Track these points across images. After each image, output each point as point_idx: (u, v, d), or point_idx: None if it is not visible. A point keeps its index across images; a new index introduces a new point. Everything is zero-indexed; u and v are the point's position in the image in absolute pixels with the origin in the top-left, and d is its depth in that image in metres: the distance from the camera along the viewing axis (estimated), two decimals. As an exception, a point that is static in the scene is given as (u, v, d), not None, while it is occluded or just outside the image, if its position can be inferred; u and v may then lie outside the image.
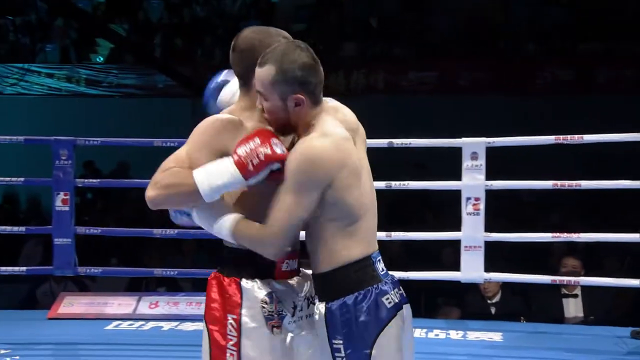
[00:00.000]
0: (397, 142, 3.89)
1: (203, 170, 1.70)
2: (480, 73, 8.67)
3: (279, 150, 1.70)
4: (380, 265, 1.77)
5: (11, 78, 9.43)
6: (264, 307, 1.74)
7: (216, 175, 1.69)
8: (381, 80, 9.06)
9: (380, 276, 1.75)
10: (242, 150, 1.68)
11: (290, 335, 1.76)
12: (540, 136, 3.81)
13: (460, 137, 3.84)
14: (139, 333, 3.89)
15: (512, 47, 8.87)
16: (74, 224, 4.09)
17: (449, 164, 4.05)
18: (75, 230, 4.08)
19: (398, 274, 3.81)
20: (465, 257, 3.81)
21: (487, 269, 3.83)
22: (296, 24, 10.05)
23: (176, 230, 4.10)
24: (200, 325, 4.16)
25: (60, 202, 4.05)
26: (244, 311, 1.74)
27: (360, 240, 1.75)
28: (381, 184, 3.97)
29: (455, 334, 3.80)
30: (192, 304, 4.12)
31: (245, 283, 1.75)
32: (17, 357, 3.41)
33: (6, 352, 3.46)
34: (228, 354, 1.74)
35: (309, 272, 1.82)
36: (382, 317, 1.72)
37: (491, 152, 3.80)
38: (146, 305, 4.14)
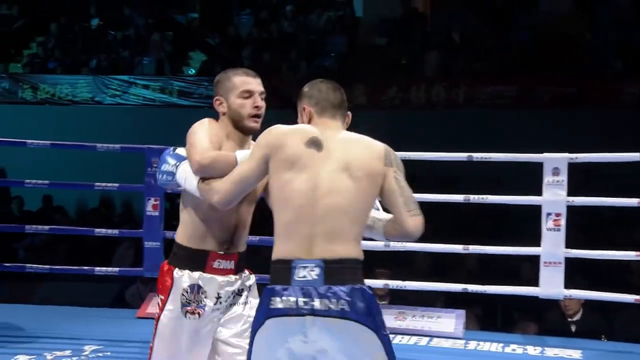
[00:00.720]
0: (477, 156, 3.82)
1: (241, 152, 2.12)
2: (562, 88, 8.42)
3: None
4: (303, 272, 1.86)
5: (112, 89, 9.84)
6: (183, 295, 2.12)
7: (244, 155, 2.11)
8: (462, 94, 8.93)
9: (293, 280, 1.85)
10: None
11: (209, 322, 2.14)
12: (625, 153, 3.66)
13: (537, 152, 3.74)
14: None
15: (598, 62, 8.58)
16: (163, 228, 4.20)
17: (524, 178, 3.94)
18: (164, 234, 4.19)
19: (474, 287, 3.77)
20: (544, 273, 3.70)
21: (566, 285, 3.70)
22: (379, 38, 10.06)
23: (258, 238, 4.14)
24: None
25: (151, 207, 4.17)
26: (170, 295, 2.13)
27: (285, 240, 1.90)
28: (459, 197, 3.91)
29: (533, 350, 3.69)
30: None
31: (176, 272, 2.15)
32: (108, 353, 3.53)
33: (98, 348, 3.59)
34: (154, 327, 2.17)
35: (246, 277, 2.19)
36: (258, 317, 1.88)
37: (572, 167, 3.68)
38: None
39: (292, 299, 1.83)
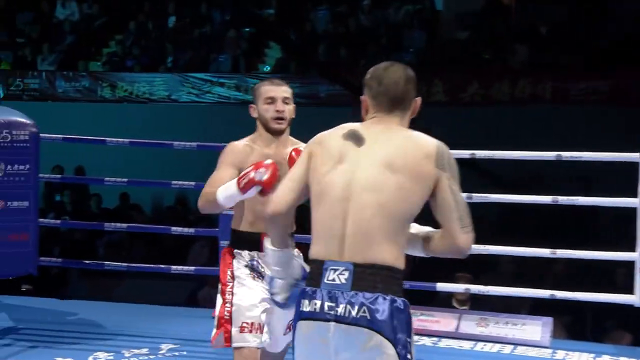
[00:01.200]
0: (566, 155, 3.70)
1: (222, 186, 2.43)
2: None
3: (258, 177, 2.34)
4: (333, 275, 1.81)
5: (188, 87, 10.08)
6: (246, 266, 2.50)
7: (226, 189, 2.41)
8: (548, 89, 8.69)
9: (323, 283, 1.81)
10: (242, 174, 2.39)
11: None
12: None
13: (631, 152, 3.60)
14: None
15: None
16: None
17: (613, 179, 3.80)
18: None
19: (563, 294, 3.66)
20: (640, 280, 3.56)
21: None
22: (460, 32, 9.91)
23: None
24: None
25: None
26: (234, 265, 2.52)
27: (317, 239, 1.85)
28: (547, 199, 3.80)
29: (626, 362, 3.55)
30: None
31: (236, 251, 2.54)
32: (185, 353, 3.60)
33: (175, 347, 3.68)
34: (227, 290, 2.52)
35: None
36: (294, 317, 1.87)
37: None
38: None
39: (319, 302, 1.79)
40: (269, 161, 2.38)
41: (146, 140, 4.80)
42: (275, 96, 2.55)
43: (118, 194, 8.52)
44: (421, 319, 4.01)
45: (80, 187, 8.85)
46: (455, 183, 1.85)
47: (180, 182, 4.47)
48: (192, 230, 4.66)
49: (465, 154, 3.96)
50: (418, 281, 4.18)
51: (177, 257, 6.03)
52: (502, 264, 5.37)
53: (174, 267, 4.40)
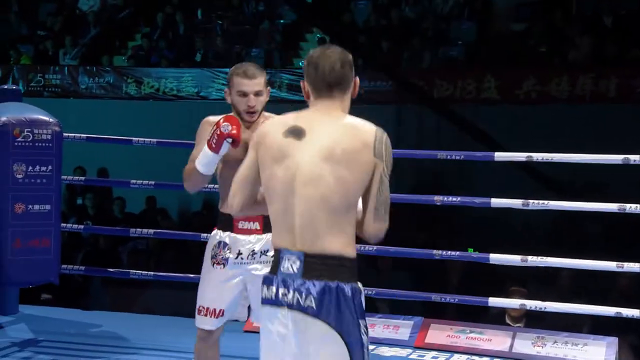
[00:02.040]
0: (635, 158, 3.63)
1: (198, 157, 2.76)
2: None
3: (225, 130, 2.66)
4: (287, 264, 2.05)
5: (219, 83, 10.14)
6: (213, 249, 2.86)
7: (202, 157, 2.74)
8: (613, 86, 8.54)
9: (279, 271, 2.07)
10: (209, 136, 2.71)
11: (237, 275, 2.84)
12: None
13: None
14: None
15: None
16: (270, 234, 4.27)
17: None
18: (272, 241, 4.26)
19: (630, 312, 3.58)
20: None
21: None
22: (515, 24, 9.80)
23: (375, 247, 4.15)
24: (396, 350, 4.14)
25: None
26: (206, 249, 2.90)
27: (274, 231, 2.10)
28: (613, 207, 3.73)
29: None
30: (390, 328, 4.13)
31: (214, 231, 2.90)
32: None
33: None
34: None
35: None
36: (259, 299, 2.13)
37: None
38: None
39: (274, 289, 2.06)
40: (227, 116, 2.72)
41: (174, 141, 4.84)
42: (247, 90, 2.79)
43: (143, 198, 8.61)
44: (471, 337, 3.97)
45: (103, 190, 8.96)
46: (387, 173, 2.06)
47: (210, 186, 4.49)
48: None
49: (521, 156, 3.91)
50: (468, 295, 4.13)
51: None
52: (560, 278, 5.29)
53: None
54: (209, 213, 8.53)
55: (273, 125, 2.14)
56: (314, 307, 1.99)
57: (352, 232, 2.05)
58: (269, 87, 2.85)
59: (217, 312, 2.89)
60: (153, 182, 4.54)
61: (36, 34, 11.74)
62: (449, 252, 4.01)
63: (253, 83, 2.79)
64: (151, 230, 4.72)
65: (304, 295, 2.00)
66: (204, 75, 10.24)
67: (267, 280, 2.09)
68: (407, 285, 5.46)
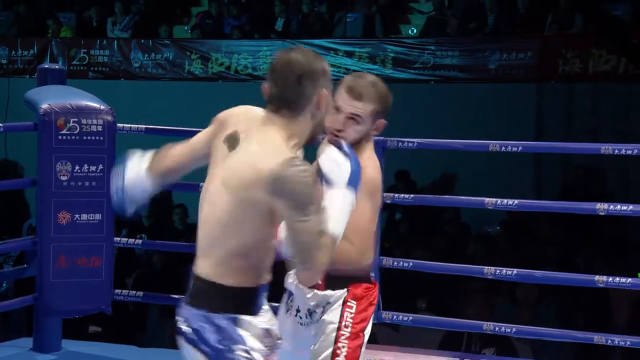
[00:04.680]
0: None
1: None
2: None
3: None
4: (190, 286, 2.34)
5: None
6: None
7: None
8: None
9: (187, 297, 2.34)
10: None
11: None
12: None
13: None
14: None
15: None
16: (379, 252, 4.23)
17: None
18: (379, 263, 4.23)
19: None
20: None
21: None
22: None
23: (514, 272, 4.07)
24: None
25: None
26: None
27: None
28: None
29: None
30: (536, 377, 4.06)
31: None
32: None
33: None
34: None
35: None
36: None
37: None
38: (470, 371, 4.17)
39: (180, 317, 2.35)
40: None
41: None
42: (341, 107, 2.80)
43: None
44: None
45: (160, 196, 9.10)
46: (297, 216, 2.18)
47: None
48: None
49: None
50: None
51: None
52: None
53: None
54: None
55: (232, 118, 2.37)
56: (190, 336, 2.30)
57: (249, 259, 2.28)
58: (382, 121, 2.84)
59: None
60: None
61: (78, -1, 12.07)
62: (616, 279, 3.89)
63: (351, 104, 2.79)
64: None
65: (185, 324, 2.32)
66: (286, 49, 10.27)
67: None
68: (555, 322, 5.34)
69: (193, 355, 2.32)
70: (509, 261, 4.93)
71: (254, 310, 2.30)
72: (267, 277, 2.34)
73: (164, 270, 7.03)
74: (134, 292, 4.67)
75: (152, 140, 6.75)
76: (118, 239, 4.58)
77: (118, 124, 4.27)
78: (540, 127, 9.25)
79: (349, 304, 2.81)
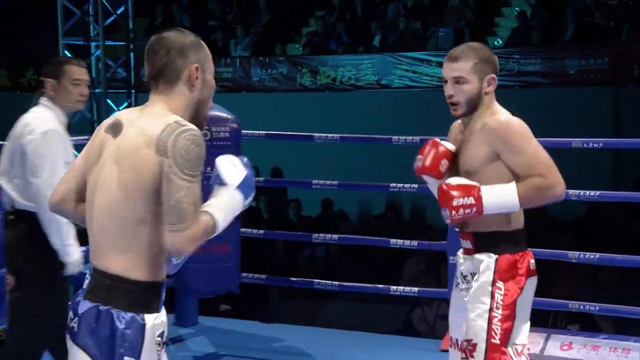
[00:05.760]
0: None
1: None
2: None
3: (415, 166, 2.74)
4: (86, 282, 2.04)
5: (401, 69, 10.16)
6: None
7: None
8: None
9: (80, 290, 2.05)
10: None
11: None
12: None
13: None
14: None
15: None
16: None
17: None
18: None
19: None
20: None
21: None
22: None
23: (597, 256, 3.99)
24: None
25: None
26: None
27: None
28: None
29: None
30: (617, 350, 3.95)
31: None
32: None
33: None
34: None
35: None
36: None
37: None
38: (557, 345, 4.10)
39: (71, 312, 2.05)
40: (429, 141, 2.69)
41: (361, 136, 4.88)
42: (444, 76, 2.65)
43: (319, 200, 8.78)
44: None
45: (277, 191, 9.24)
46: (181, 174, 1.92)
47: (400, 185, 4.50)
48: (414, 243, 4.66)
49: None
50: None
51: (390, 274, 6.08)
52: None
53: (393, 287, 4.44)
54: (395, 215, 8.57)
55: (106, 121, 2.12)
56: (76, 330, 1.99)
57: (148, 250, 1.98)
58: (491, 76, 2.62)
59: None
60: (337, 182, 4.59)
61: (205, 24, 12.30)
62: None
63: (451, 67, 2.63)
64: (335, 236, 4.79)
65: (76, 320, 2.00)
66: (384, 61, 10.29)
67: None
68: (635, 301, 5.21)
69: (74, 352, 2.02)
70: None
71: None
72: (162, 273, 2.05)
73: (283, 257, 7.14)
74: (258, 275, 4.75)
75: (272, 144, 6.91)
76: (243, 229, 4.67)
77: (242, 131, 4.36)
78: (615, 128, 9.01)
79: (497, 284, 2.55)
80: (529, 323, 2.63)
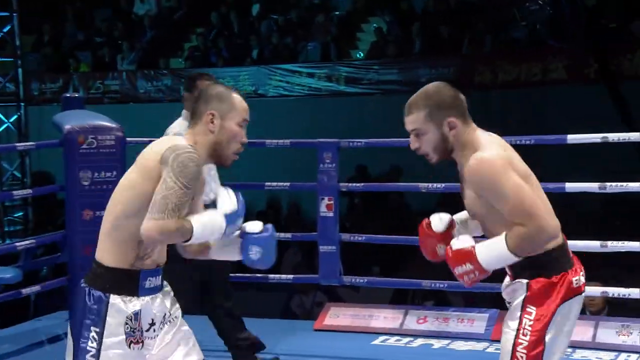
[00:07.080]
0: None
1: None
2: None
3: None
4: None
5: (275, 80, 10.18)
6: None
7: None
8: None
9: None
10: None
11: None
12: None
13: None
14: (407, 350, 3.96)
15: None
16: (338, 230, 4.27)
17: None
18: (339, 237, 4.26)
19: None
20: None
21: None
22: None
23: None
24: (473, 345, 4.07)
25: (325, 207, 4.25)
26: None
27: None
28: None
29: None
30: (464, 321, 4.09)
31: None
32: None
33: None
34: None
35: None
36: None
37: None
38: (414, 320, 4.20)
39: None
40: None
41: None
42: (407, 127, 2.35)
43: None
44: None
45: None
46: (174, 178, 2.10)
47: (274, 184, 4.52)
48: (288, 235, 4.69)
49: (596, 137, 3.81)
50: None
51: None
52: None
53: (271, 275, 4.45)
54: (274, 212, 8.58)
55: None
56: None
57: (126, 239, 2.15)
58: (449, 120, 2.26)
59: None
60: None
61: (93, 40, 11.99)
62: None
63: (406, 121, 2.33)
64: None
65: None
66: (260, 73, 10.29)
67: None
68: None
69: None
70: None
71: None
72: (147, 262, 2.18)
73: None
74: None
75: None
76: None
77: (127, 138, 4.27)
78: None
79: (528, 309, 2.24)
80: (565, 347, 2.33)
